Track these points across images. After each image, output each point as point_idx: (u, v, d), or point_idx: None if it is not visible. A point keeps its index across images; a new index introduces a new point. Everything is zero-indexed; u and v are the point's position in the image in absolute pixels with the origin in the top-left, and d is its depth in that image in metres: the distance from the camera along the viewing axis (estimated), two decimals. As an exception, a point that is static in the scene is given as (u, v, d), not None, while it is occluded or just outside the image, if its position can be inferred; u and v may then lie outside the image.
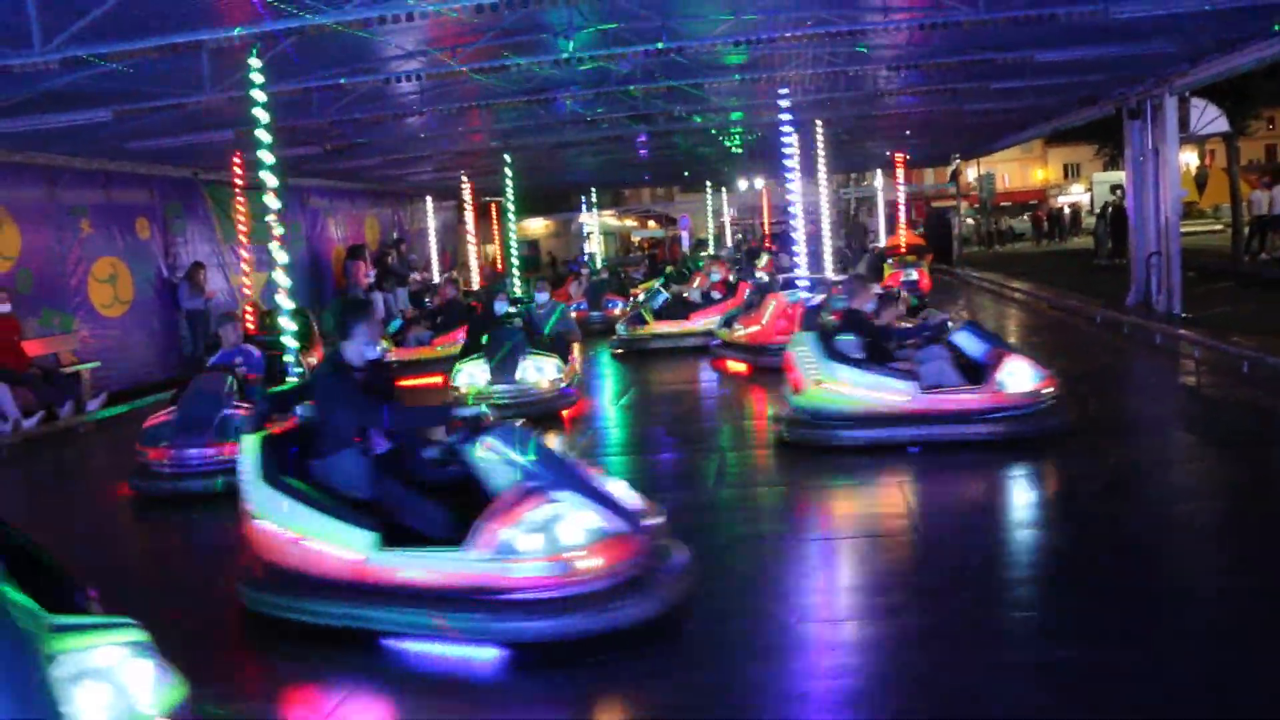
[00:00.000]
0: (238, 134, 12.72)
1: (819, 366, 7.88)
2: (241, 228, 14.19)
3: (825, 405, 7.86)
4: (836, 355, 7.94)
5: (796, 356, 8.04)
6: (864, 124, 17.52)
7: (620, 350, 14.83)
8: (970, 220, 41.40)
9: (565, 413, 10.14)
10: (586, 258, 28.52)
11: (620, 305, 18.45)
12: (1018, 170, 57.26)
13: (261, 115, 8.92)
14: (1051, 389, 7.81)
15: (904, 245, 22.23)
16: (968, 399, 7.70)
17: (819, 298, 11.50)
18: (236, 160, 13.90)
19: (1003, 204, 50.09)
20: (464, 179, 20.53)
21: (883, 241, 25.99)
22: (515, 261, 18.21)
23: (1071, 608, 4.77)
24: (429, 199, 25.09)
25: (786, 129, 12.36)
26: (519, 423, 5.08)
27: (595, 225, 34.26)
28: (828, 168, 17.29)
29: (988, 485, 7.08)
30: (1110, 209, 26.06)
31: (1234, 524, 5.94)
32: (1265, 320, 12.40)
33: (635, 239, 46.31)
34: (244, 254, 14.38)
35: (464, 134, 16.23)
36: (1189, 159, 37.61)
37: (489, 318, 11.60)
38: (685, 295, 16.08)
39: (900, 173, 25.63)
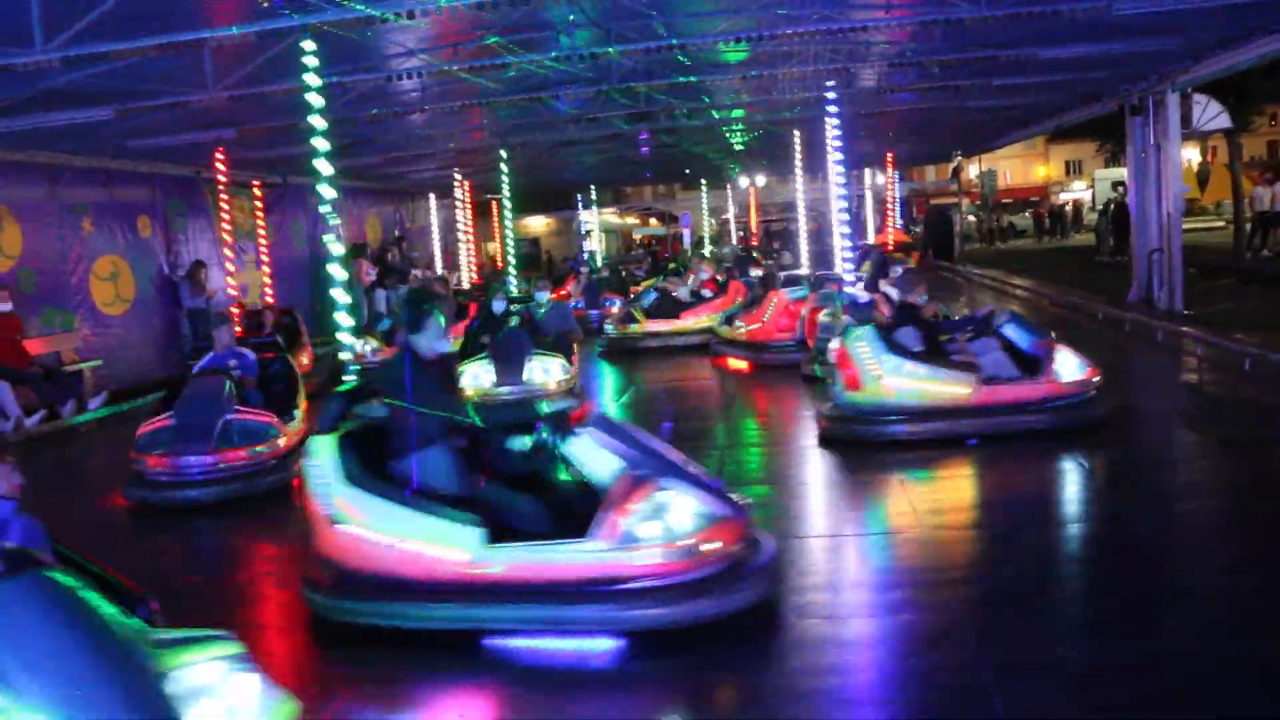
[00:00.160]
0: (240, 132, 12.74)
1: (881, 361, 7.77)
2: (225, 227, 14.10)
3: (887, 400, 7.75)
4: (897, 349, 7.85)
5: (854, 352, 7.86)
6: (866, 121, 17.47)
7: (607, 350, 14.72)
8: (972, 217, 41.38)
9: (573, 415, 10.02)
10: (586, 256, 28.50)
11: (619, 304, 18.45)
12: (1019, 167, 57.19)
13: (316, 102, 8.60)
14: (1097, 378, 7.92)
15: (892, 243, 22.33)
16: (1027, 390, 7.78)
17: (866, 295, 11.27)
18: (219, 156, 13.69)
19: (1004, 201, 50.02)
20: (457, 176, 20.51)
21: (871, 239, 26.04)
22: (512, 259, 18.15)
23: (1072, 605, 4.77)
24: (432, 196, 25.07)
25: (833, 120, 12.21)
26: (609, 414, 5.09)
27: (596, 223, 34.26)
28: (835, 164, 17.23)
29: (1010, 481, 7.08)
30: (1112, 206, 26.03)
31: (1236, 522, 5.93)
32: (1267, 317, 12.38)
33: (637, 236, 46.30)
34: (227, 252, 14.31)
35: (464, 131, 16.24)
36: (1191, 155, 37.59)
37: (488, 317, 11.44)
38: (675, 294, 16.04)
39: (891, 171, 25.67)
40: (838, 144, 12.29)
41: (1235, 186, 23.85)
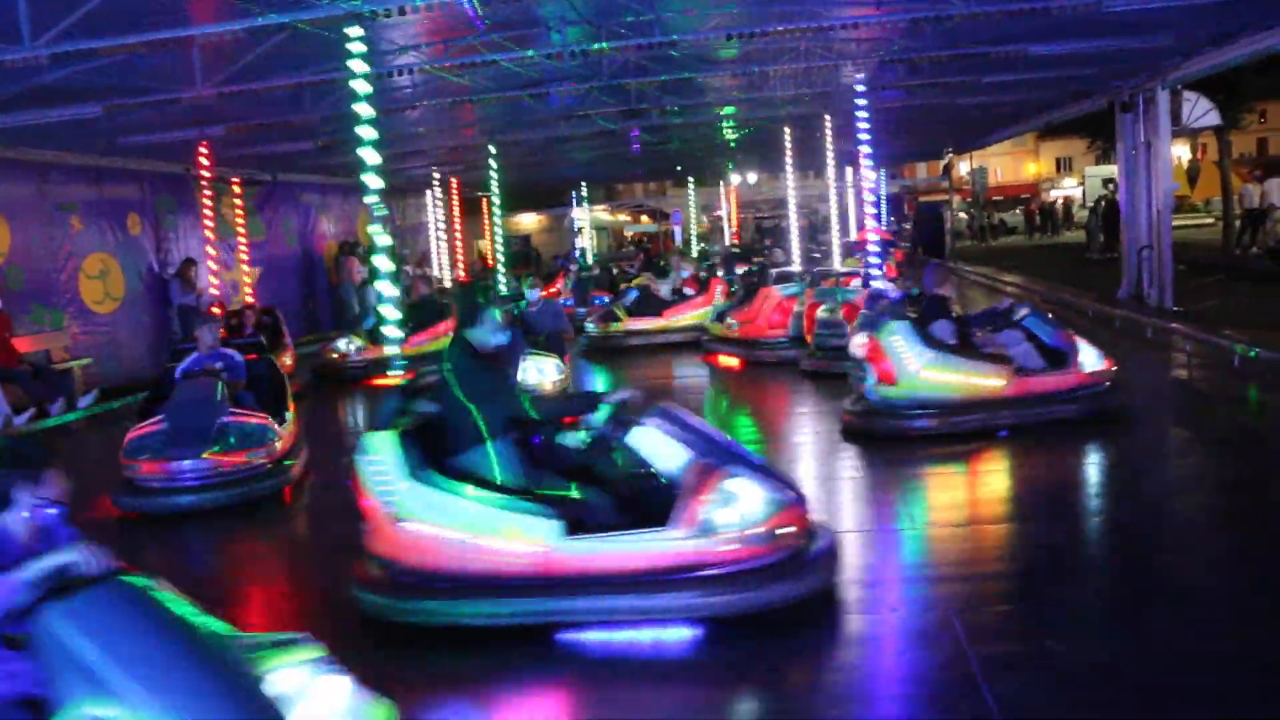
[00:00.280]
0: (228, 129, 12.70)
1: (918, 355, 7.81)
2: (208, 224, 13.94)
3: (923, 394, 7.78)
4: (933, 343, 7.90)
5: (889, 346, 7.86)
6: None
7: (589, 349, 14.62)
8: (962, 214, 41.45)
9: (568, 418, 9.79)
10: (577, 253, 28.44)
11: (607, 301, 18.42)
12: (1010, 164, 57.31)
13: (362, 88, 8.45)
14: (1115, 368, 8.13)
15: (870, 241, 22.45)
16: (1056, 380, 7.96)
17: (895, 291, 11.18)
18: (203, 151, 13.47)
19: (995, 198, 50.12)
20: (436, 176, 20.41)
21: (852, 236, 26.10)
22: (501, 257, 18.01)
23: (1065, 601, 4.78)
24: (429, 193, 24.97)
25: (862, 113, 12.16)
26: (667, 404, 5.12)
27: (586, 220, 34.23)
28: (842, 161, 17.35)
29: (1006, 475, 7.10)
30: (1103, 203, 26.10)
31: (1227, 518, 5.95)
32: (1256, 314, 12.43)
33: (628, 234, 46.29)
34: (209, 250, 14.17)
35: (457, 128, 16.21)
36: (1181, 152, 37.65)
37: None
38: (657, 292, 15.95)
39: (863, 171, 25.73)
40: (866, 137, 12.20)
41: (1225, 183, 23.93)
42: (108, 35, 7.88)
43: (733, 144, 22.11)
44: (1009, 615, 4.68)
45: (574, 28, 9.82)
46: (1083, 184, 48.62)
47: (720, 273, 16.91)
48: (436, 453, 4.85)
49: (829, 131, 16.55)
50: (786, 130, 17.45)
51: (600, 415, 4.93)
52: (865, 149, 12.47)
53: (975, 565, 5.31)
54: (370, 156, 8.67)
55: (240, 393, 8.13)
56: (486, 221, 27.71)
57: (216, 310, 13.04)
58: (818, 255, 21.97)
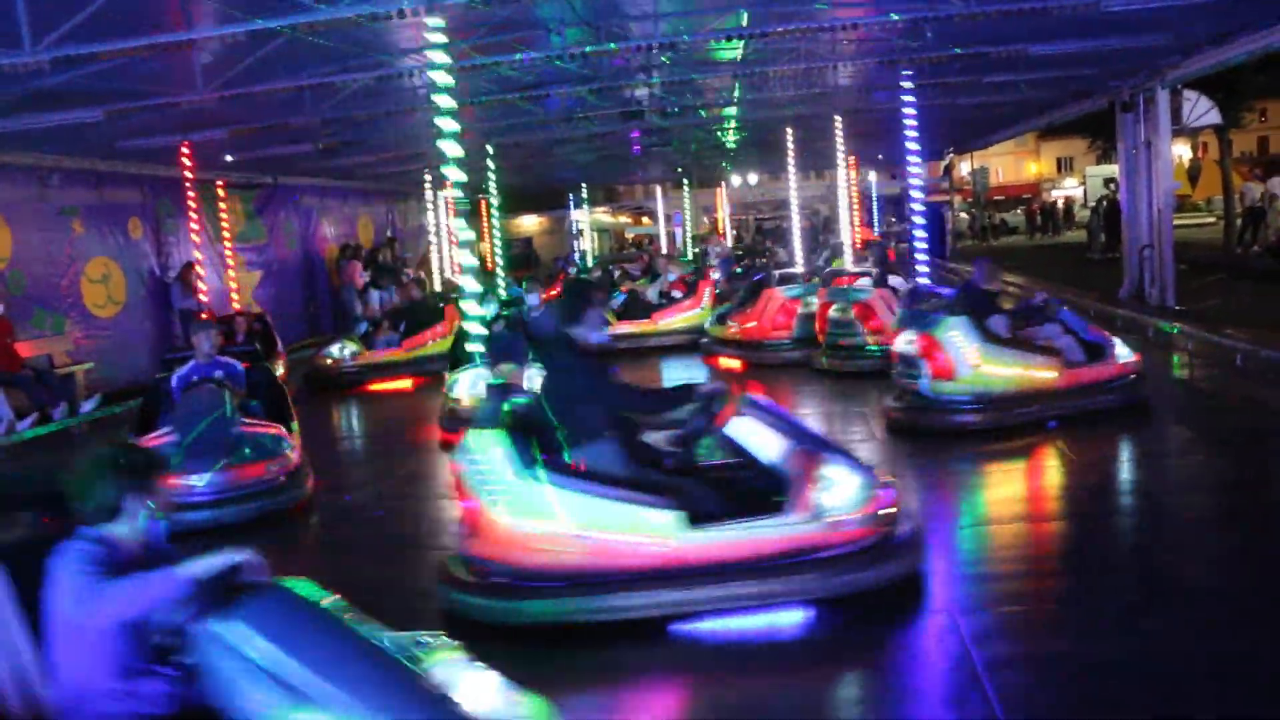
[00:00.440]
0: (230, 133, 12.70)
1: (978, 349, 7.92)
2: (193, 226, 13.72)
3: (980, 388, 7.89)
4: (991, 337, 8.01)
5: (948, 341, 7.94)
6: (850, 119, 17.47)
7: None
8: (964, 215, 41.43)
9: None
10: (578, 255, 28.39)
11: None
12: (1011, 164, 57.28)
13: (443, 80, 8.15)
14: (1141, 360, 8.49)
15: (859, 242, 22.63)
16: (1098, 371, 8.21)
17: (945, 289, 11.04)
18: (185, 150, 12.95)
19: (996, 198, 50.11)
20: (427, 178, 20.27)
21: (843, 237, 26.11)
22: (500, 260, 17.65)
23: (1067, 600, 4.78)
24: (438, 195, 24.81)
25: (909, 110, 12.09)
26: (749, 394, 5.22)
27: (587, 222, 34.19)
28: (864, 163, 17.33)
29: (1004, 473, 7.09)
30: (1104, 202, 26.09)
31: (1228, 517, 5.95)
32: (1258, 312, 12.41)
33: (629, 235, 46.28)
34: (197, 254, 14.01)
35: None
36: (1182, 152, 37.62)
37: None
38: (644, 295, 15.81)
39: (853, 174, 25.92)
40: (914, 133, 12.17)
41: (1226, 182, 23.92)
42: (108, 39, 7.87)
43: (733, 146, 22.10)
44: (1012, 615, 4.68)
45: (573, 29, 9.82)
46: (1084, 184, 48.60)
47: (718, 274, 16.86)
48: (540, 450, 4.83)
49: (839, 132, 16.56)
50: (789, 131, 17.44)
51: (694, 408, 5.04)
52: (913, 145, 12.34)
53: (981, 565, 5.31)
54: (451, 149, 8.48)
55: (247, 402, 7.85)
56: (485, 224, 27.68)
57: (205, 317, 12.49)
58: (827, 254, 21.98)
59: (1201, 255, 21.20)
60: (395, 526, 7.03)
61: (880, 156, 27.06)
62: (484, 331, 9.05)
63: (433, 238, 23.50)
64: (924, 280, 11.47)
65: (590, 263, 27.44)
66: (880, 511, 4.75)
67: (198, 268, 13.99)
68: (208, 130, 12.45)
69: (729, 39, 9.89)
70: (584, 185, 31.20)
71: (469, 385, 9.35)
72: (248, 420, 7.47)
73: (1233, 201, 23.44)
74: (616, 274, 22.16)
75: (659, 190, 35.55)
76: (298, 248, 19.73)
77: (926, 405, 8.04)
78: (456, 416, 9.13)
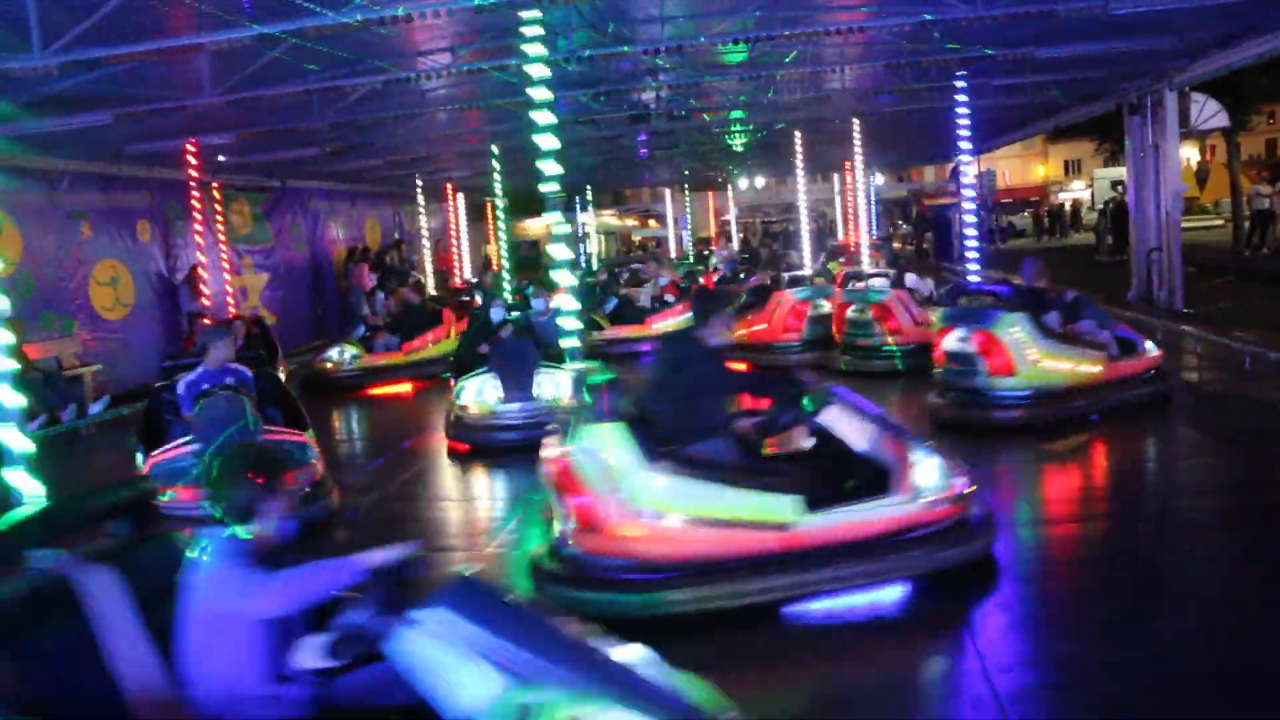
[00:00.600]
0: (238, 137, 12.74)
1: (1037, 345, 8.07)
2: (197, 229, 13.63)
3: (1040, 382, 8.04)
4: (1049, 333, 8.19)
5: (1008, 337, 8.07)
6: (861, 121, 17.45)
7: None
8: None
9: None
10: (583, 259, 28.35)
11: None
12: (1018, 167, 57.13)
13: (539, 73, 7.92)
14: (1163, 355, 8.86)
15: (853, 245, 22.77)
16: (1133, 364, 8.50)
17: (1000, 287, 11.25)
18: (190, 148, 12.69)
19: (1003, 200, 50.01)
20: (419, 182, 20.16)
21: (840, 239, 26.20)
22: (506, 263, 17.46)
23: (1075, 603, 4.77)
24: (458, 196, 24.72)
25: (962, 110, 12.07)
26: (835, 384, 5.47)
27: (593, 225, 34.19)
28: (866, 164, 17.35)
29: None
30: (1111, 205, 26.03)
31: (1237, 519, 5.93)
32: (1266, 315, 12.38)
33: (635, 239, 46.30)
34: (200, 257, 13.90)
35: (462, 134, 16.23)
36: (1190, 154, 37.54)
37: (485, 326, 10.45)
38: (637, 300, 15.69)
39: (849, 178, 26.03)
40: (966, 132, 12.17)
41: (1234, 185, 23.86)
42: (117, 44, 7.91)
43: (740, 149, 22.09)
44: (1017, 615, 4.67)
45: (580, 33, 9.83)
46: (1091, 186, 48.41)
47: (721, 276, 16.79)
48: (655, 443, 4.91)
49: (856, 136, 16.55)
50: (797, 134, 17.43)
51: (800, 401, 5.25)
52: (965, 144, 12.39)
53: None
54: (548, 141, 8.27)
55: (264, 410, 7.56)
56: (491, 226, 27.62)
57: (208, 322, 12.32)
58: (823, 256, 21.97)
59: (1209, 258, 21.17)
60: (409, 531, 7.02)
61: (892, 159, 26.94)
62: (579, 325, 8.77)
63: (424, 241, 23.37)
64: (974, 278, 11.45)
65: (596, 265, 27.42)
66: (962, 492, 5.01)
67: (200, 270, 13.99)
68: (215, 134, 12.48)
69: (735, 42, 9.88)
70: (589, 188, 31.20)
71: (476, 393, 9.18)
72: (270, 428, 7.23)
73: (1241, 204, 23.38)
74: (624, 276, 22.13)
75: (668, 193, 35.56)
76: (305, 250, 19.76)
77: (973, 401, 8.20)
78: (464, 424, 9.11)
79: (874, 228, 33.26)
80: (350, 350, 13.66)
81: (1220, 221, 33.00)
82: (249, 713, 2.81)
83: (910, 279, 12.40)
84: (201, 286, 13.84)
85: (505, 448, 8.69)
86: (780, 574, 4.65)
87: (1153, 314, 13.24)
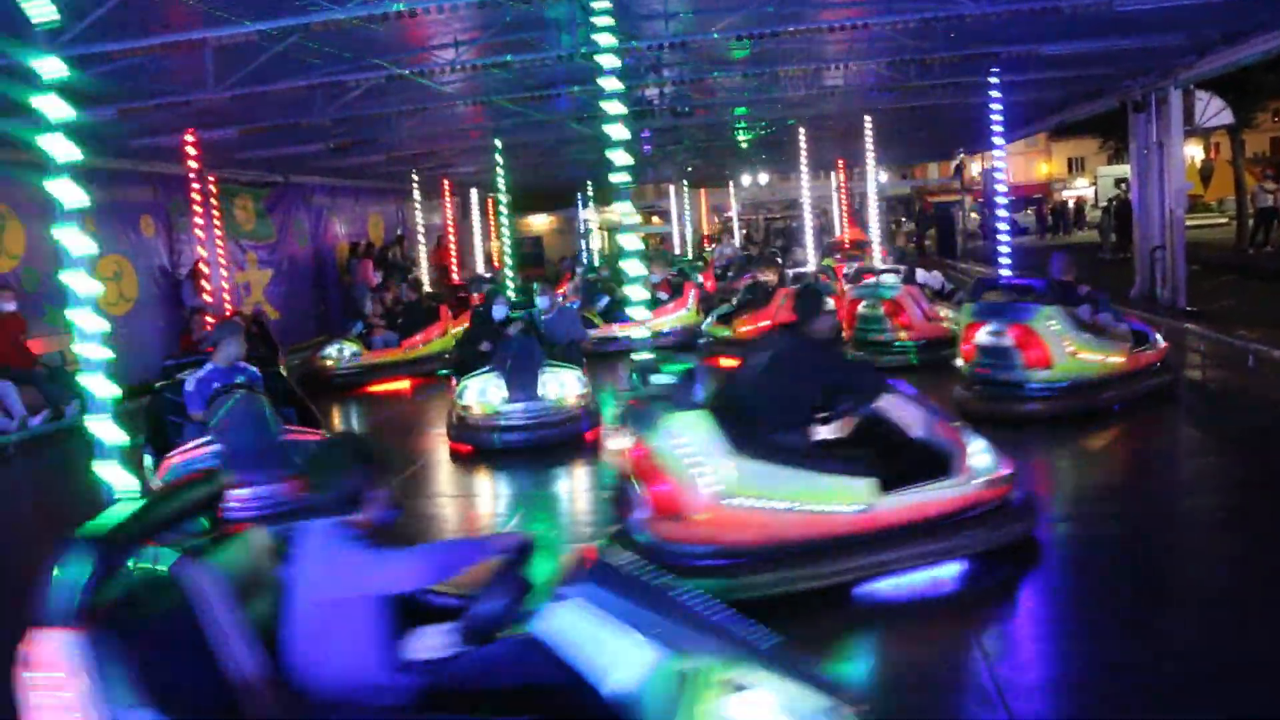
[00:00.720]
0: (241, 132, 12.73)
1: (1073, 337, 8.27)
2: (198, 220, 13.31)
3: (1076, 374, 8.22)
4: (1079, 325, 8.37)
5: (1046, 330, 8.24)
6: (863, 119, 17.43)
7: None
8: (974, 214, 41.33)
9: (589, 434, 8.91)
10: (585, 255, 28.30)
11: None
12: (1022, 164, 56.95)
13: (610, 63, 7.80)
14: (1169, 346, 9.18)
15: (848, 241, 23.06)
16: (1150, 355, 8.78)
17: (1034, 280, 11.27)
18: (189, 139, 12.25)
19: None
20: (415, 178, 20.13)
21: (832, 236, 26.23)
22: (509, 259, 17.21)
23: (1076, 602, 4.77)
24: (471, 192, 24.65)
25: (996, 105, 12.10)
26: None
27: (596, 221, 34.16)
28: (876, 160, 17.39)
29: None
30: (1115, 203, 25.99)
31: (1239, 518, 5.92)
32: (1270, 313, 12.36)
33: (639, 234, 46.28)
34: (201, 251, 13.67)
35: (466, 130, 16.22)
36: (1194, 152, 37.48)
37: (487, 324, 10.10)
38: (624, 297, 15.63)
39: (841, 176, 26.16)
40: (999, 127, 12.23)
41: (1238, 183, 23.80)
42: (120, 39, 7.91)
43: (744, 145, 22.08)
44: (1021, 616, 4.67)
45: (584, 29, 9.82)
46: (1095, 184, 48.34)
47: (730, 275, 16.76)
48: (739, 430, 5.00)
49: (869, 131, 16.55)
50: (801, 130, 17.42)
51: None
52: (998, 139, 12.45)
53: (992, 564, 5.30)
54: (618, 132, 7.98)
55: (284, 410, 7.35)
56: (493, 222, 27.53)
57: (210, 319, 12.18)
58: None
59: (1213, 256, 21.11)
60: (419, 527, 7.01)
61: (896, 156, 26.92)
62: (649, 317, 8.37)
63: (419, 237, 23.27)
64: (1005, 272, 11.50)
65: (598, 262, 27.38)
66: (1009, 474, 5.26)
67: (200, 266, 13.91)
68: (218, 129, 12.47)
69: (739, 39, 9.87)
70: (589, 184, 31.17)
71: (479, 392, 8.94)
72: (291, 429, 7.01)
73: (1245, 202, 23.32)
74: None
75: (672, 190, 35.54)
76: (308, 246, 19.75)
77: (1002, 394, 8.34)
78: (466, 425, 8.89)
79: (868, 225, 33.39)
80: (351, 347, 13.55)
81: (1224, 219, 32.92)
82: (365, 701, 2.80)
83: (920, 274, 12.40)
84: (202, 282, 13.76)
85: (509, 449, 8.53)
86: (859, 555, 4.83)
87: (1156, 312, 13.21)
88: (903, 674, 4.21)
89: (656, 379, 5.30)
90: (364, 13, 7.73)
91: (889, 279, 12.23)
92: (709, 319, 13.95)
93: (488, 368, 9.10)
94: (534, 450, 8.45)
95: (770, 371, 5.36)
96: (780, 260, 19.23)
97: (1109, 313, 8.82)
